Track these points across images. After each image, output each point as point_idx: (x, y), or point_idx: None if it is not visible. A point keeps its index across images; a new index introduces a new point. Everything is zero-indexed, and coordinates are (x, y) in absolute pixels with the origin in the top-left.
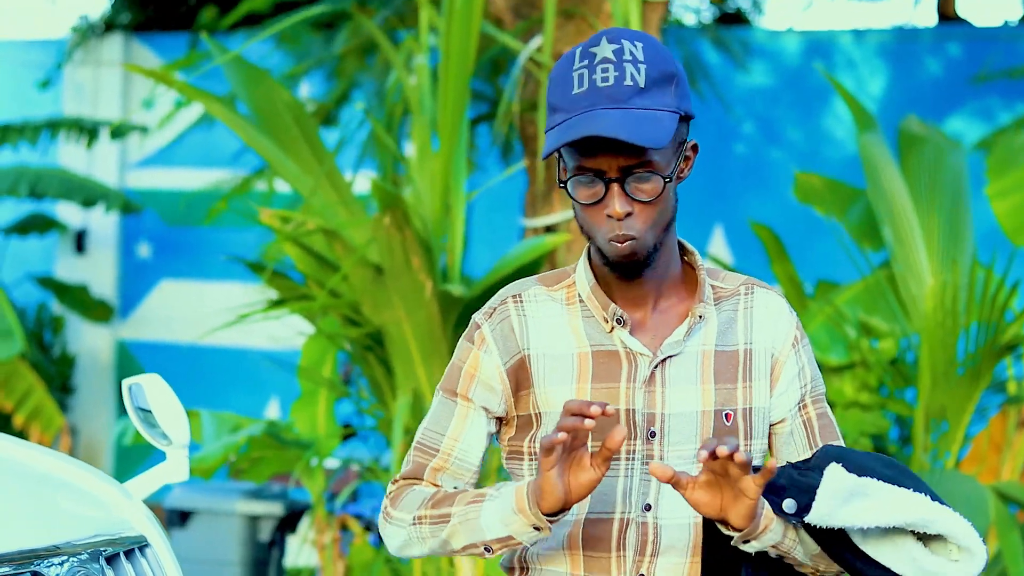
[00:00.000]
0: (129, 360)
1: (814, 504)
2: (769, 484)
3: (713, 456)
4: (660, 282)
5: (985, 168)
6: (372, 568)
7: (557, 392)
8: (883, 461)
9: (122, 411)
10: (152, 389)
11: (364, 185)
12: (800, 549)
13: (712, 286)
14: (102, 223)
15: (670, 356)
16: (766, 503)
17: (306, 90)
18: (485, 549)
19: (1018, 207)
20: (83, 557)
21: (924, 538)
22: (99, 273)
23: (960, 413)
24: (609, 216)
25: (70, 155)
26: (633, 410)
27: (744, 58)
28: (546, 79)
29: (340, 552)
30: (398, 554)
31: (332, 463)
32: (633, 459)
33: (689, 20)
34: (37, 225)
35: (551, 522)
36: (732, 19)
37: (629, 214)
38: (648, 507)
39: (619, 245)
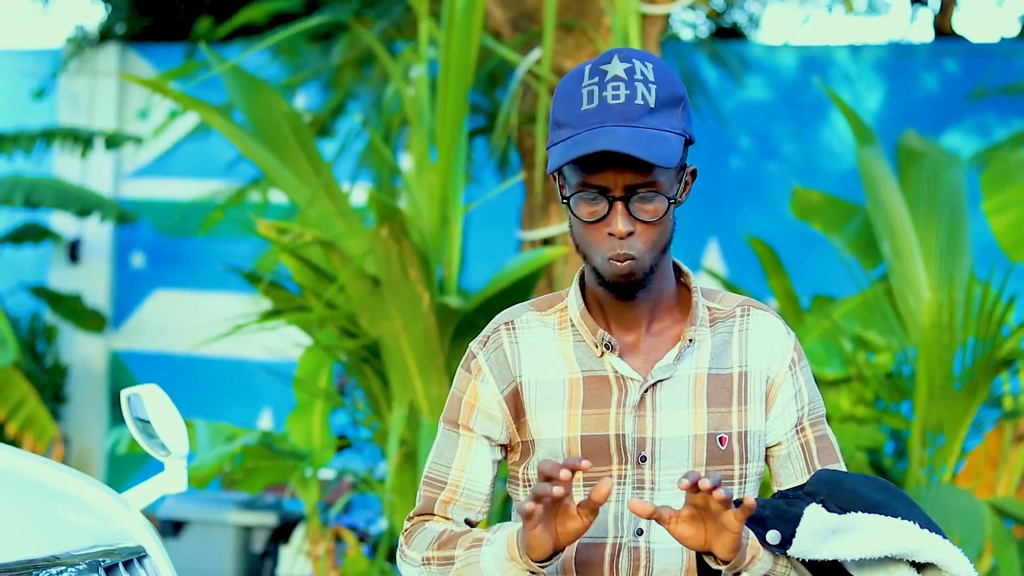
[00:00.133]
0: (122, 370)
1: (794, 540)
2: (755, 516)
3: (695, 488)
4: (654, 305)
5: (980, 184)
6: None
7: (549, 419)
8: (876, 484)
9: (115, 421)
10: (151, 399)
11: (361, 197)
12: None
13: (708, 307)
14: (96, 233)
15: (661, 380)
16: (751, 533)
17: (302, 101)
18: None
19: (1015, 223)
20: (81, 567)
21: (918, 567)
22: (93, 283)
23: (956, 427)
24: (610, 234)
25: (65, 165)
26: (623, 435)
27: (741, 73)
28: (545, 92)
29: (334, 563)
30: None
31: (327, 474)
32: (624, 484)
33: (686, 35)
34: (31, 234)
35: (543, 567)
36: (728, 34)
37: (631, 233)
38: (640, 531)
39: (618, 264)
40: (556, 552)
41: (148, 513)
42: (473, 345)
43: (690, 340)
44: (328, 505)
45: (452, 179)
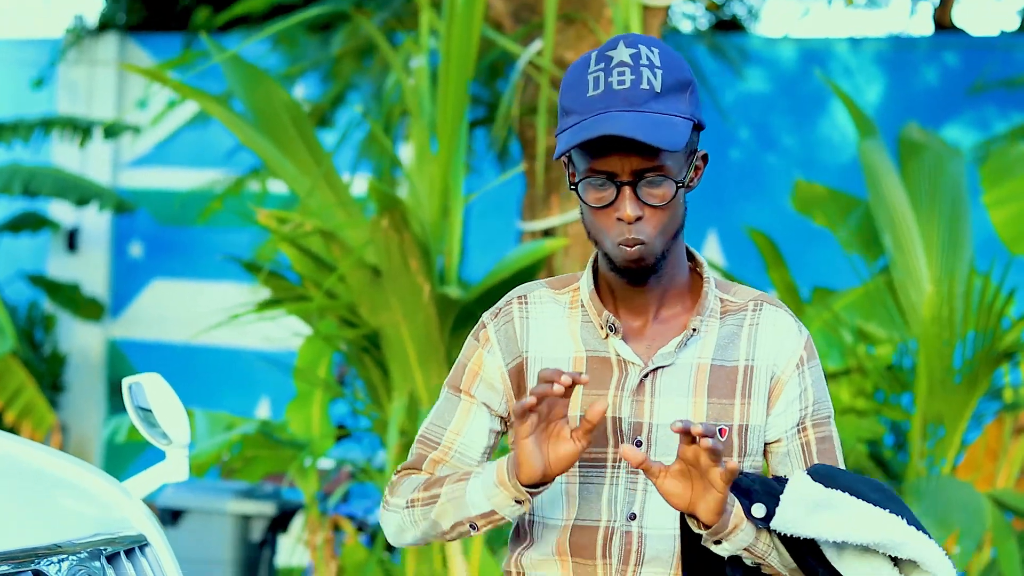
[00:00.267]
0: (120, 359)
1: (777, 510)
2: (743, 488)
3: (687, 435)
4: (664, 291)
5: (980, 177)
6: (364, 569)
7: None
8: (871, 485)
9: (113, 409)
10: (152, 388)
11: (361, 187)
12: (775, 557)
13: (721, 299)
14: (95, 222)
15: (662, 367)
16: (736, 502)
17: (301, 91)
18: (471, 526)
19: (1016, 216)
20: (83, 556)
21: (900, 563)
22: (91, 272)
23: (957, 420)
24: (619, 219)
25: (64, 154)
26: (620, 418)
27: (740, 65)
28: (546, 84)
29: (332, 553)
30: (395, 542)
31: (326, 463)
32: (619, 467)
33: (685, 27)
34: (30, 223)
35: (532, 494)
36: (728, 26)
37: (639, 218)
38: (633, 516)
39: (628, 249)
40: (545, 480)
41: (147, 502)
42: (485, 316)
43: (694, 329)
44: (327, 495)
45: (453, 170)
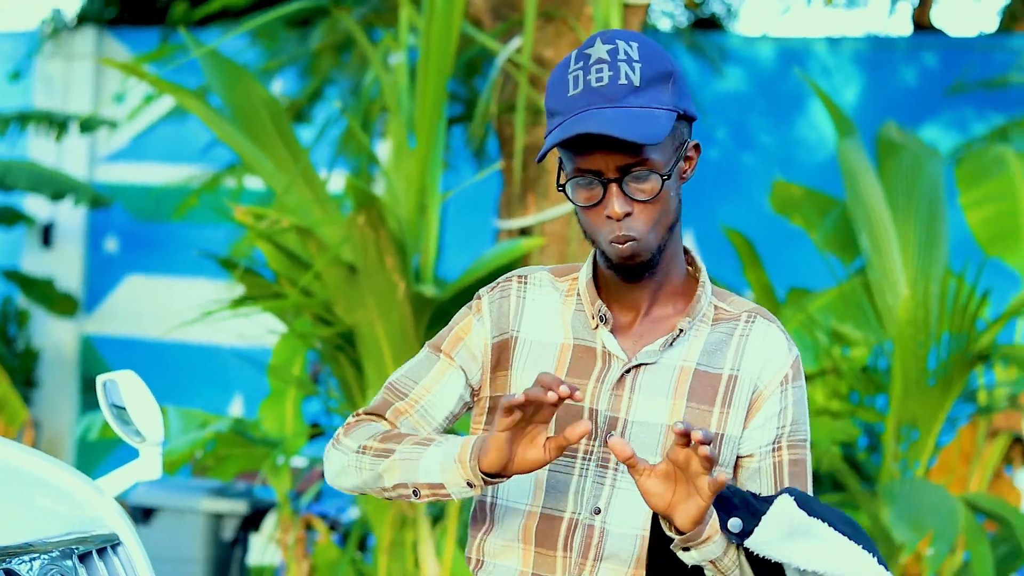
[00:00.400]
0: (94, 355)
1: (756, 529)
2: (723, 500)
3: (685, 438)
4: (658, 287)
5: (956, 178)
6: (336, 568)
7: (532, 379)
8: (842, 518)
9: (86, 406)
10: (127, 386)
11: (338, 184)
12: (737, 574)
13: (716, 306)
14: (70, 216)
15: (644, 364)
16: (714, 514)
17: (279, 87)
18: (413, 492)
19: (993, 217)
20: (55, 555)
21: None
22: (66, 267)
23: (931, 422)
24: (609, 217)
25: (39, 148)
26: (596, 410)
27: (720, 64)
28: (525, 81)
29: (304, 551)
30: (331, 482)
31: (299, 462)
32: (589, 460)
33: (665, 25)
34: (4, 218)
35: (486, 482)
36: (707, 24)
37: (628, 214)
38: (598, 510)
39: (620, 247)
40: (503, 475)
41: (119, 499)
42: (482, 290)
43: (680, 330)
44: (299, 493)
45: (430, 167)
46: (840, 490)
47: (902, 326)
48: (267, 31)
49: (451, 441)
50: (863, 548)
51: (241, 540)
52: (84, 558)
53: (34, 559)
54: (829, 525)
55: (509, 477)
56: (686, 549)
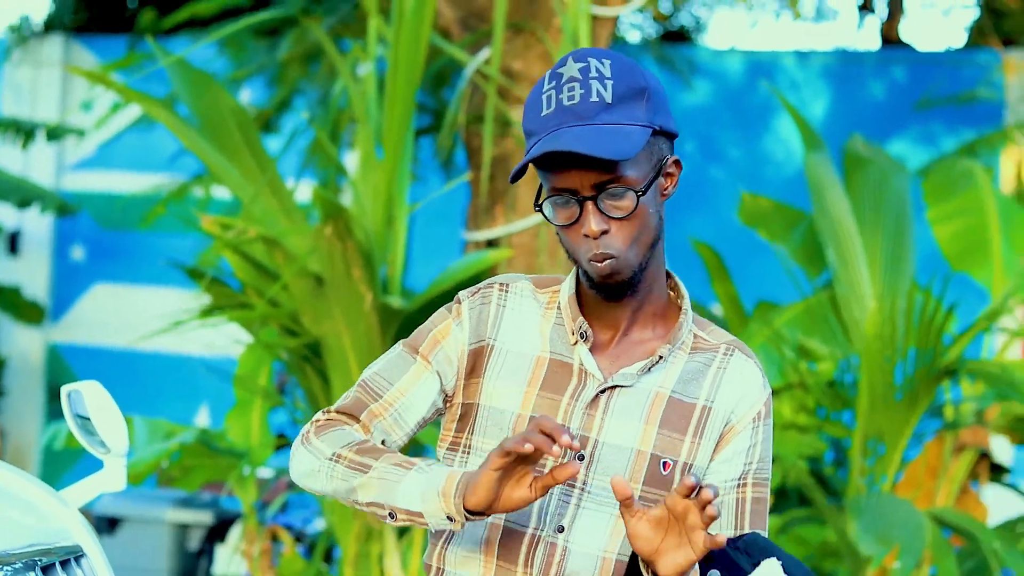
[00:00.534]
0: (60, 363)
1: None
2: None
3: (689, 492)
4: (638, 306)
5: (923, 193)
6: None
7: (505, 389)
8: (802, 569)
9: (52, 415)
10: (91, 396)
11: (305, 194)
12: None
13: (696, 335)
14: (36, 224)
15: (620, 386)
16: (697, 566)
17: (247, 96)
18: (389, 514)
19: (960, 232)
20: (18, 566)
21: None
22: (32, 275)
23: (897, 437)
24: (586, 236)
25: (6, 155)
26: (567, 428)
27: (688, 76)
28: (493, 92)
29: (270, 563)
30: (297, 480)
31: (265, 473)
32: None
33: (633, 37)
34: None
35: (467, 520)
36: (676, 37)
37: (606, 231)
38: (561, 528)
39: (599, 265)
40: (486, 513)
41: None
42: (462, 293)
43: (660, 357)
44: (265, 504)
45: (398, 178)
46: (807, 505)
47: (869, 340)
48: (235, 40)
49: (434, 470)
50: None
51: (206, 551)
52: (47, 570)
53: None
54: (791, 574)
55: (491, 515)
56: None
